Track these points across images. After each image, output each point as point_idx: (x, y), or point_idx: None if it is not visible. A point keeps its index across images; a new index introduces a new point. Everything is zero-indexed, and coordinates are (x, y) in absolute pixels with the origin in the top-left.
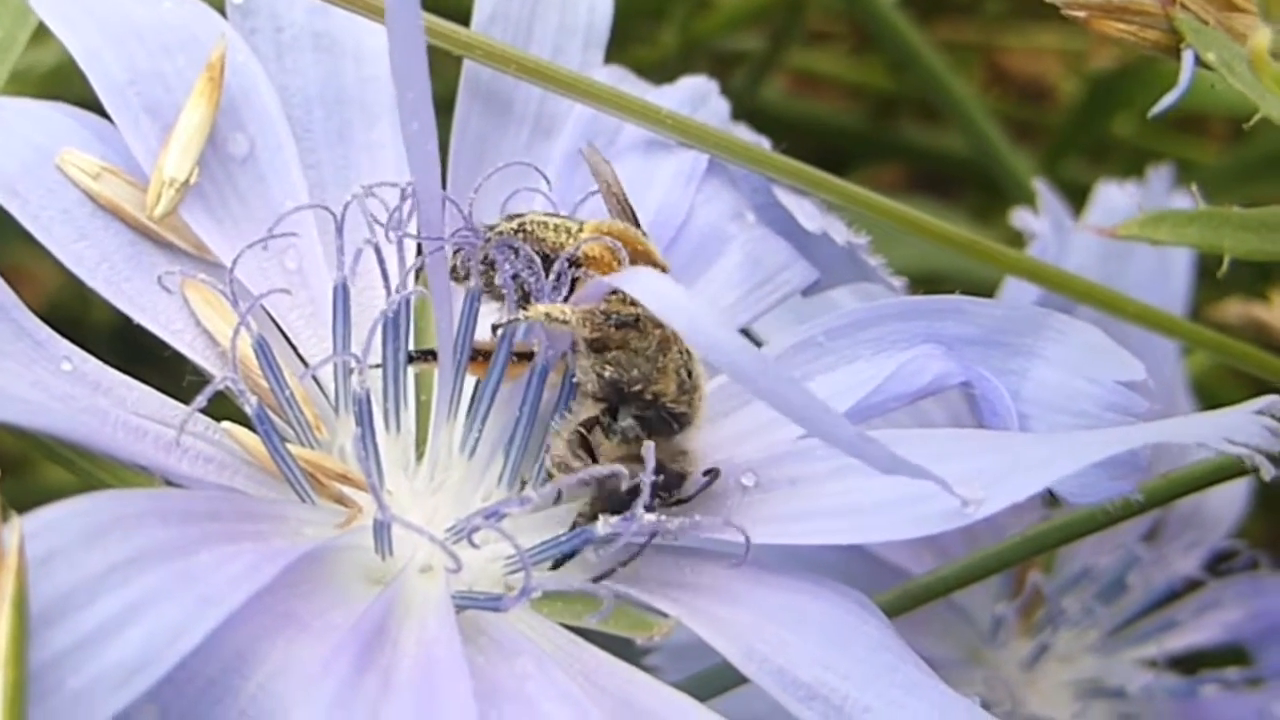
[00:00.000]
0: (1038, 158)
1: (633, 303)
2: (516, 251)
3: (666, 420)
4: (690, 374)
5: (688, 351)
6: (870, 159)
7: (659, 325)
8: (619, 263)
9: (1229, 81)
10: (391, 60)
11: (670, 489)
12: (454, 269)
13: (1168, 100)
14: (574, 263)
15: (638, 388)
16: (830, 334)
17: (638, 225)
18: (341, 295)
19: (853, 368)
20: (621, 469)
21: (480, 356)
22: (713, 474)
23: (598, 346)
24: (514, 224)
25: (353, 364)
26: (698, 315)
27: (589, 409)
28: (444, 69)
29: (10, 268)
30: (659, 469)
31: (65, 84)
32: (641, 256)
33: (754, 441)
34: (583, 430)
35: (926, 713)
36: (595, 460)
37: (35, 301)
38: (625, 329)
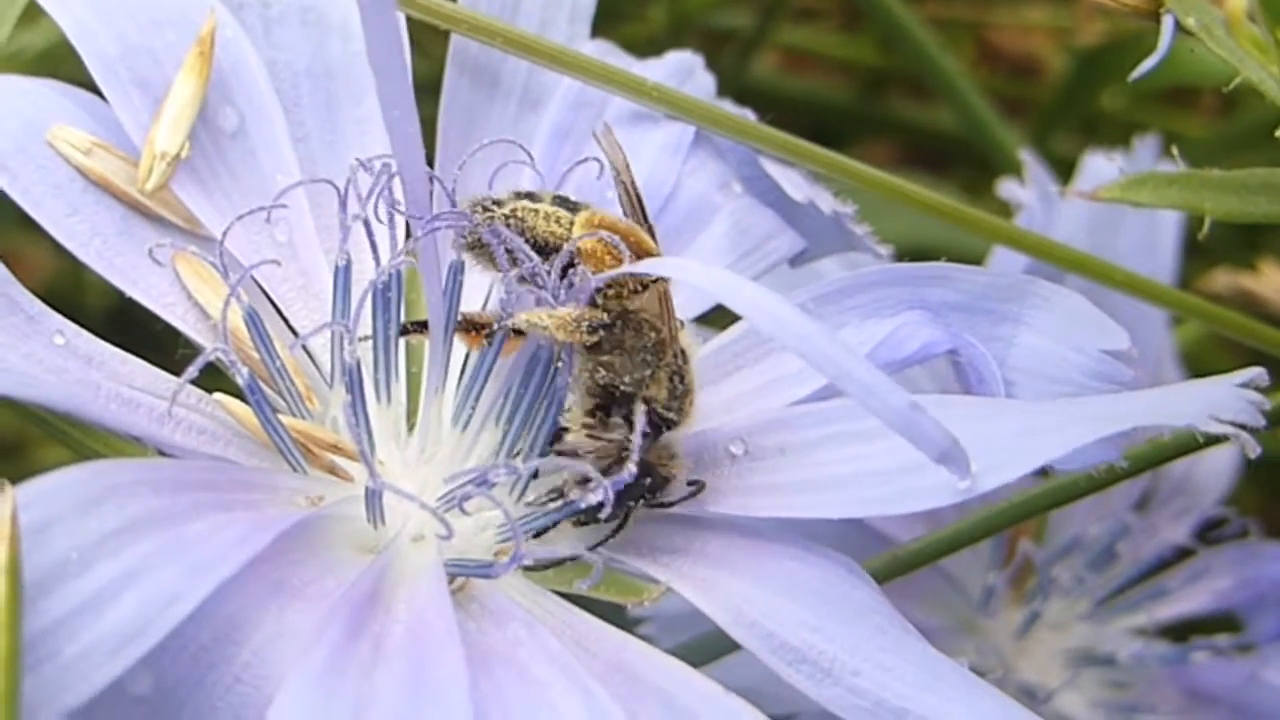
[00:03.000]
0: (1028, 133)
1: (628, 298)
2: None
3: (656, 424)
4: (683, 379)
5: (683, 354)
6: (861, 135)
7: (655, 328)
8: (612, 256)
9: (1208, 46)
10: (369, 50)
11: (654, 491)
12: (466, 241)
13: (1148, 64)
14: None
15: (629, 390)
16: (817, 301)
17: (644, 212)
18: (344, 270)
19: (840, 335)
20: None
21: (475, 329)
22: (698, 485)
23: (592, 348)
24: (506, 209)
25: (343, 333)
26: (753, 294)
27: (585, 402)
28: (431, 44)
29: (6, 252)
30: (646, 470)
31: (56, 66)
32: (635, 247)
33: (743, 409)
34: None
35: (915, 675)
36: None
37: (31, 286)
38: (619, 329)
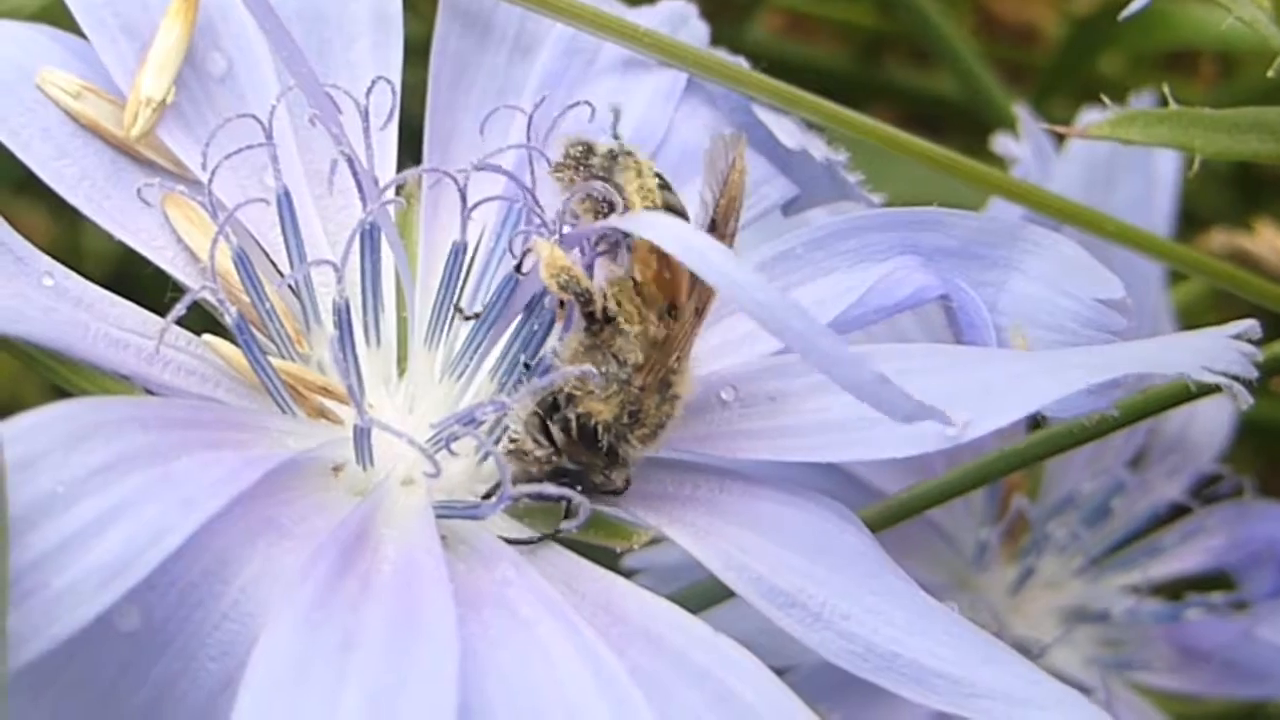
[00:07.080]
0: (1027, 99)
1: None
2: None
3: (598, 439)
4: (638, 413)
5: (671, 402)
6: (860, 100)
7: (641, 355)
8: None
9: None
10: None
11: (595, 491)
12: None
13: (1136, 4)
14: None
15: (570, 389)
16: (808, 246)
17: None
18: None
19: (830, 279)
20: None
21: None
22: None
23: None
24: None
25: (331, 274)
26: (716, 256)
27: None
28: (423, 4)
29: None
30: (580, 476)
31: (52, 24)
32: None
33: (733, 356)
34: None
35: (905, 619)
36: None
37: None
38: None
